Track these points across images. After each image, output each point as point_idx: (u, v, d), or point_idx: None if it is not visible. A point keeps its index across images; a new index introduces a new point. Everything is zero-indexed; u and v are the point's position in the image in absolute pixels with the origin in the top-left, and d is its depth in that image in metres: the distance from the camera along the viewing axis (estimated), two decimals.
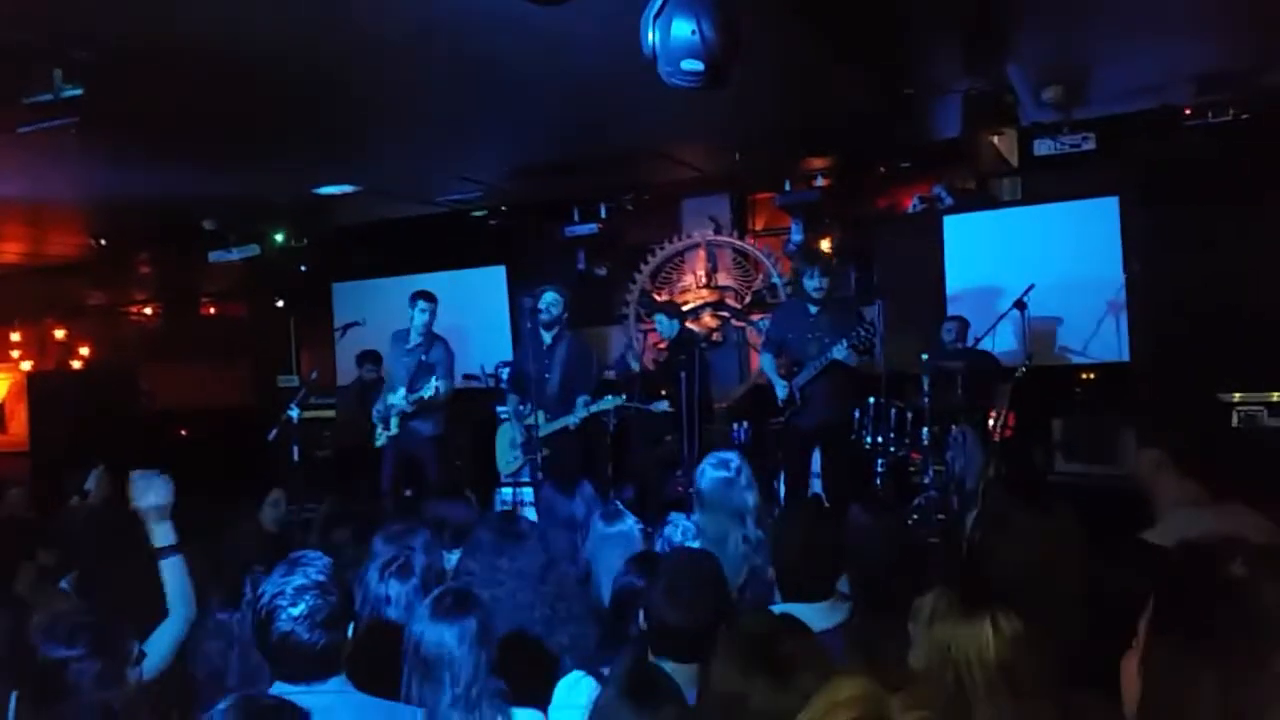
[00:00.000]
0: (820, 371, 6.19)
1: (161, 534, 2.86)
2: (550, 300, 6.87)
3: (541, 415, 6.78)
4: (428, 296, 7.16)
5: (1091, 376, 7.71)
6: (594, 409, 6.82)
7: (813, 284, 6.29)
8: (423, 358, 7.10)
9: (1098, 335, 7.61)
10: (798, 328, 6.42)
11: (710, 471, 3.71)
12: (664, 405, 7.18)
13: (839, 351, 6.04)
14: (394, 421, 7.12)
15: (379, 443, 7.18)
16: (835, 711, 1.19)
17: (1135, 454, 2.62)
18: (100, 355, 11.79)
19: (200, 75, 5.27)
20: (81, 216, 8.97)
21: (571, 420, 6.83)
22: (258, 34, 4.74)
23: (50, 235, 9.59)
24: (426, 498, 6.79)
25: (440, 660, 2.35)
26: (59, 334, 11.82)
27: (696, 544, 3.59)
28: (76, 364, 11.75)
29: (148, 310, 12.01)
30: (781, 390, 6.39)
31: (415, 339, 7.10)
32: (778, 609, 2.71)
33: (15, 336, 11.78)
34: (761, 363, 6.72)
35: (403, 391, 6.99)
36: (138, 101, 5.54)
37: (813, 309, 6.35)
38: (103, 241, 9.71)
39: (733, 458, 3.78)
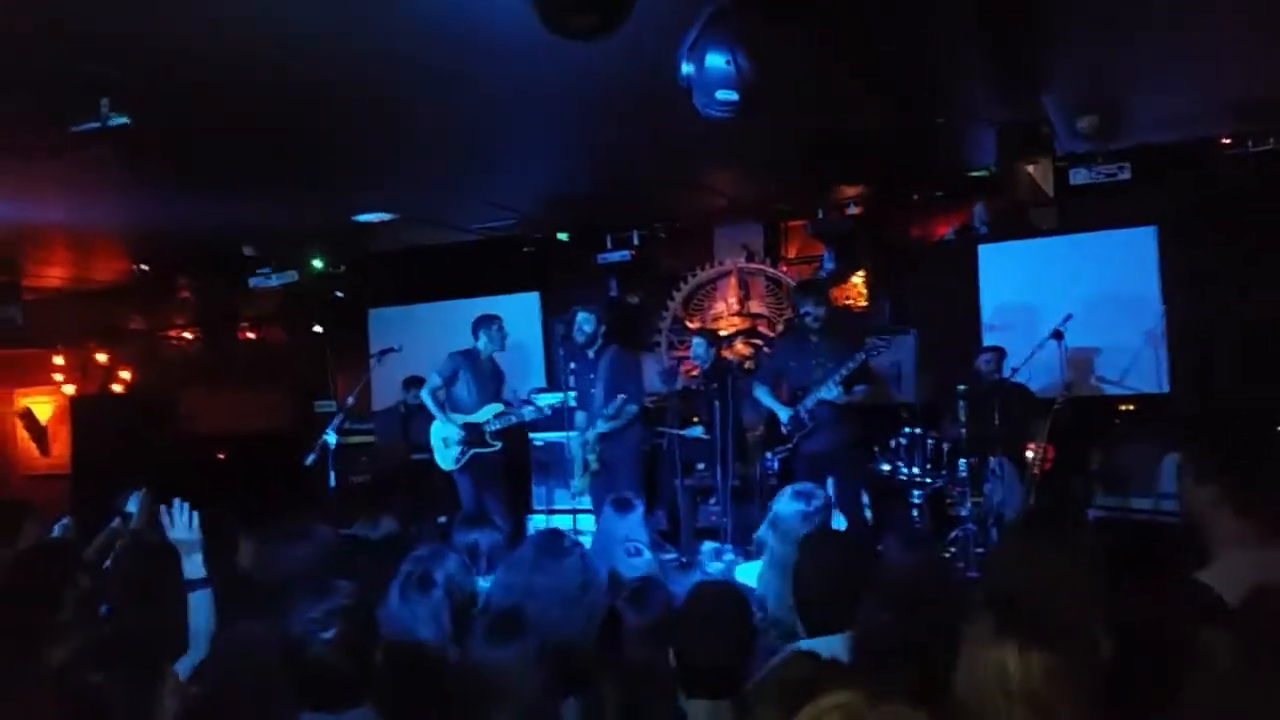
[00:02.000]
0: (823, 400, 6.24)
1: (191, 567, 2.92)
2: (582, 319, 7.07)
3: (593, 431, 7.08)
4: (496, 316, 7.35)
5: (1131, 407, 7.60)
6: (618, 420, 6.97)
7: (809, 315, 6.38)
8: (496, 379, 7.30)
9: (1137, 366, 7.51)
10: (799, 356, 6.52)
11: (789, 501, 3.77)
12: (698, 430, 7.32)
13: (828, 392, 6.16)
14: (459, 445, 7.14)
15: (451, 466, 7.19)
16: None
17: (1191, 490, 2.55)
18: (141, 379, 11.95)
19: (241, 104, 5.38)
20: (124, 241, 9.13)
21: (601, 429, 7.03)
22: (297, 65, 4.83)
23: (93, 260, 9.77)
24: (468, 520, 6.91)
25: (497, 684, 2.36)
26: (101, 358, 11.99)
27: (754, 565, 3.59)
28: (118, 388, 11.92)
29: (188, 335, 12.17)
30: (785, 415, 6.44)
31: (488, 363, 7.26)
32: (803, 644, 2.69)
33: (59, 360, 11.98)
34: (757, 394, 6.74)
35: (489, 412, 7.10)
36: (180, 129, 5.66)
37: (813, 338, 6.43)
38: (145, 267, 9.88)
39: (817, 494, 3.84)
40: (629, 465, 7.08)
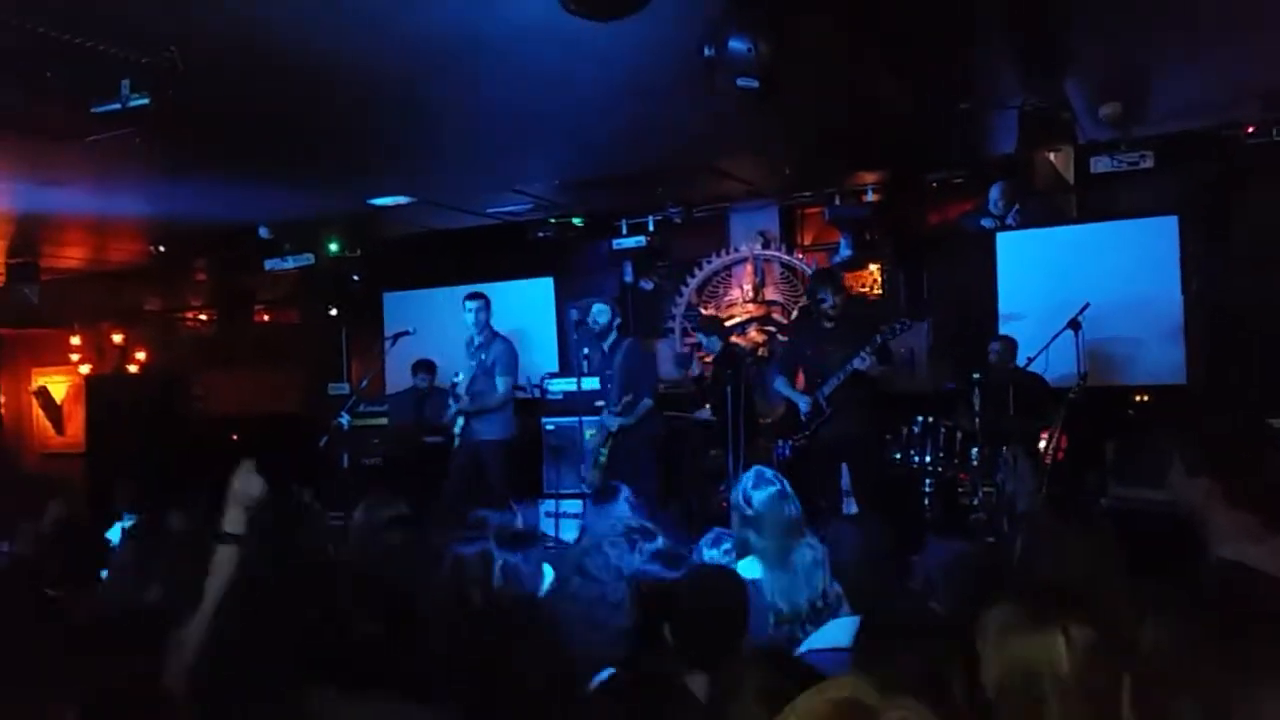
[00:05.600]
0: (843, 384, 6.22)
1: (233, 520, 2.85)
2: (597, 310, 7.09)
3: (606, 424, 7.13)
4: (475, 295, 7.34)
5: (1147, 399, 7.54)
6: (630, 418, 7.01)
7: (827, 303, 6.36)
8: (483, 358, 7.27)
9: (1155, 356, 7.45)
10: (814, 344, 6.50)
11: (757, 491, 3.62)
12: (706, 413, 7.34)
13: (859, 362, 6.10)
14: (459, 426, 7.27)
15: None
16: (815, 708, 1.20)
17: (1183, 482, 2.53)
18: (156, 360, 12.02)
19: (260, 89, 5.38)
20: (141, 223, 9.15)
21: (611, 424, 7.07)
22: (315, 49, 4.82)
23: (110, 241, 9.81)
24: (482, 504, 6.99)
25: None
26: (117, 338, 12.08)
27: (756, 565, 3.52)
28: (133, 368, 12.00)
29: (203, 316, 12.23)
30: (804, 405, 6.42)
31: (476, 340, 7.28)
32: (848, 620, 2.71)
33: (75, 340, 12.06)
34: (776, 385, 6.75)
35: (464, 396, 7.15)
36: (198, 112, 5.65)
37: (828, 324, 6.41)
38: (161, 248, 9.91)
39: (769, 472, 3.76)
40: (645, 456, 7.10)
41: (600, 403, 7.45)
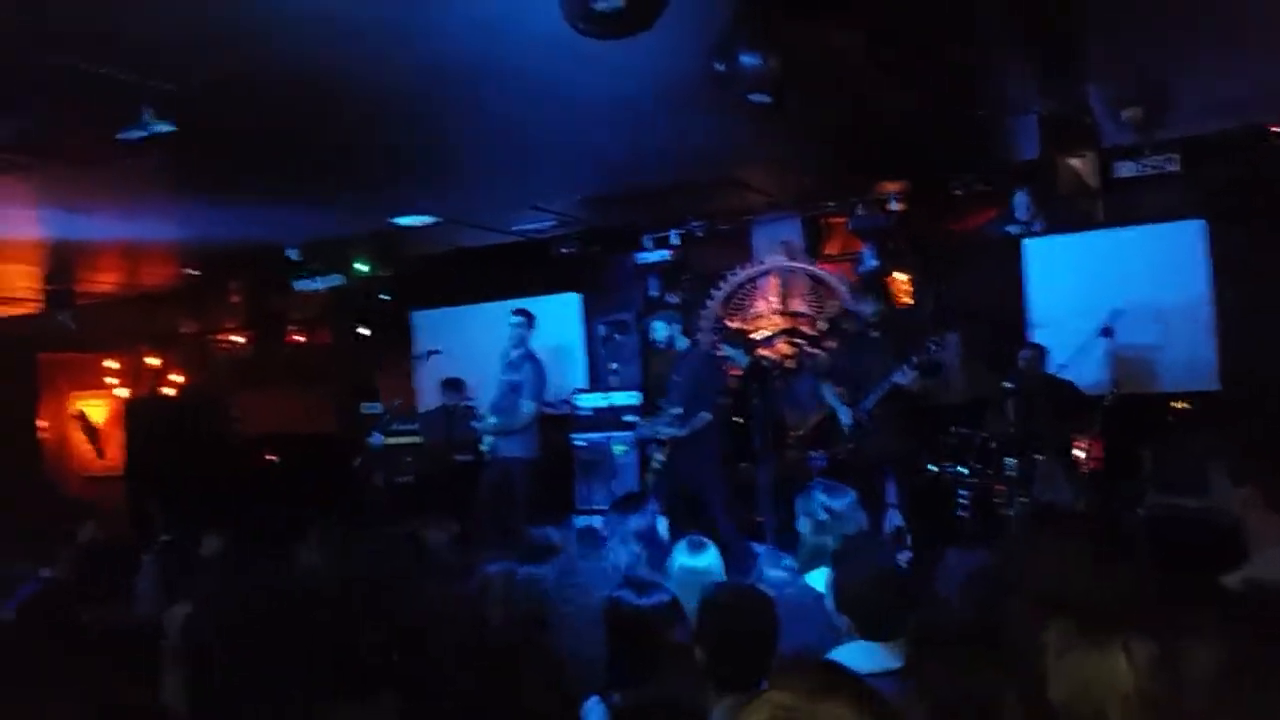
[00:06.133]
0: (885, 397, 6.20)
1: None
2: (656, 327, 7.15)
3: (663, 426, 6.98)
4: (520, 311, 7.42)
5: (1183, 405, 7.44)
6: (694, 424, 6.86)
7: (868, 311, 6.36)
8: (514, 378, 7.34)
9: (1188, 362, 7.35)
10: (859, 355, 6.49)
11: (836, 500, 3.69)
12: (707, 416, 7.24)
13: (900, 376, 6.08)
14: (486, 444, 7.43)
15: None
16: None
17: (1228, 491, 2.52)
18: (192, 382, 12.19)
19: (285, 112, 5.47)
20: (173, 247, 9.29)
21: (663, 433, 6.95)
22: (337, 72, 4.90)
23: (143, 265, 9.97)
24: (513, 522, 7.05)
25: None
26: (153, 361, 12.26)
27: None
28: (170, 391, 12.17)
29: (237, 338, 12.38)
30: (846, 417, 6.40)
31: (511, 357, 7.35)
32: (852, 647, 2.69)
33: (112, 364, 12.25)
34: (823, 392, 6.75)
35: (488, 415, 7.25)
36: (224, 137, 5.76)
37: (873, 334, 6.41)
38: (194, 272, 10.06)
39: (834, 482, 3.82)
40: (707, 469, 6.90)
41: (630, 417, 7.46)
